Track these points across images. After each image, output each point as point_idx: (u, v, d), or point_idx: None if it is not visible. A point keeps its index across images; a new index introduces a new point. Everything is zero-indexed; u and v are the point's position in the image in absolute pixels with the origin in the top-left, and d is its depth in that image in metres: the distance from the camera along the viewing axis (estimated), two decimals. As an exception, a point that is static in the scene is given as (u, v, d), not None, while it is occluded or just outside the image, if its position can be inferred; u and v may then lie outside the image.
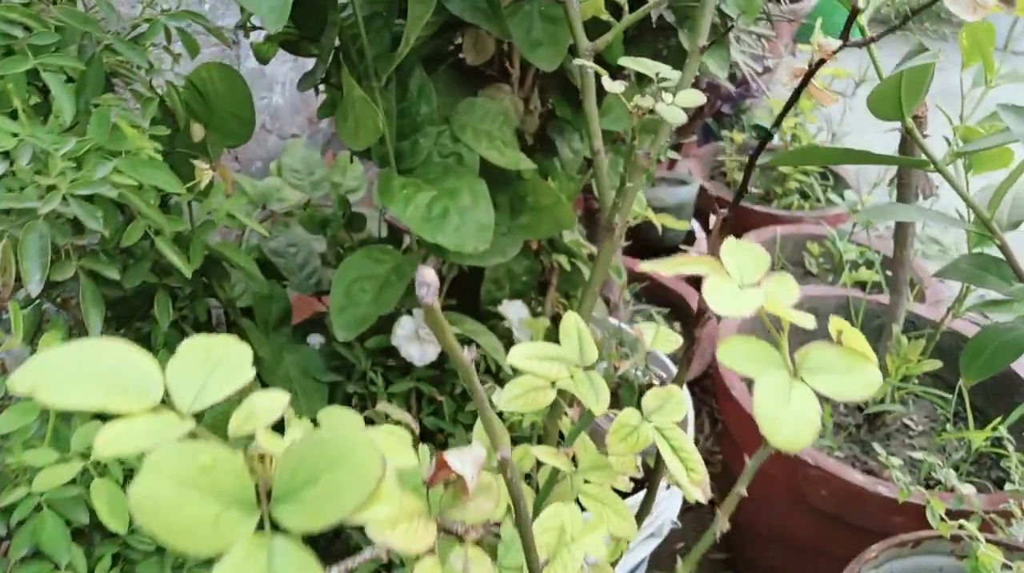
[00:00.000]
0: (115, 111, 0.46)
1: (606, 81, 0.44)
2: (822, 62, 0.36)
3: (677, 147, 2.14)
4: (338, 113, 0.57)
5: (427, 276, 0.22)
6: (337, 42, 0.58)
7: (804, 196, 1.95)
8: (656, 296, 1.57)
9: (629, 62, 0.52)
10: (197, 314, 0.64)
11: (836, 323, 0.27)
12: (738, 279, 0.29)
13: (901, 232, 1.00)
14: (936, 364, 1.08)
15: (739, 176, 1.95)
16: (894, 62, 0.66)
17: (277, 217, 0.95)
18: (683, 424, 0.52)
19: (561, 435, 0.55)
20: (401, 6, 0.59)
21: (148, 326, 0.64)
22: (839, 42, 0.35)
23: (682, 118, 0.42)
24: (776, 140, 2.17)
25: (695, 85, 0.97)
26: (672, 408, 0.47)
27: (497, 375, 0.79)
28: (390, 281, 0.64)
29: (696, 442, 1.11)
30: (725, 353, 0.26)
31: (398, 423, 0.50)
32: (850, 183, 1.95)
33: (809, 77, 0.37)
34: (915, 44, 0.82)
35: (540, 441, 0.61)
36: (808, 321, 0.26)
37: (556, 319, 0.89)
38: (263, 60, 0.61)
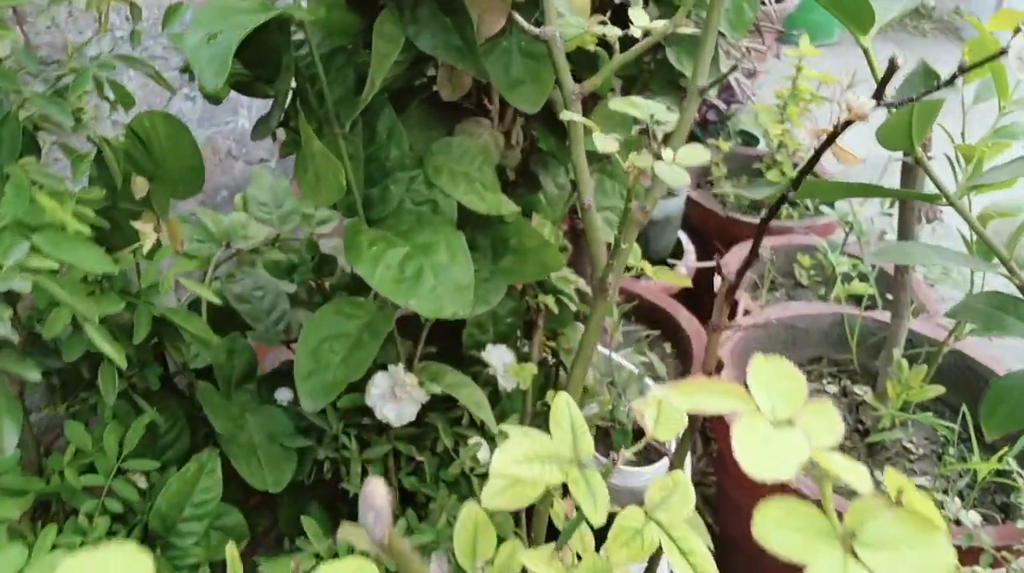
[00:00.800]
0: (37, 175, 0.40)
1: (598, 138, 0.39)
2: (849, 123, 0.30)
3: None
4: (297, 163, 0.51)
5: (375, 496, 0.16)
6: (295, 82, 0.52)
7: (792, 204, 1.91)
8: (645, 316, 1.52)
9: (620, 104, 0.47)
10: (149, 382, 0.58)
11: (893, 478, 0.22)
12: (770, 414, 0.24)
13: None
14: (939, 390, 1.04)
15: (726, 186, 1.91)
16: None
17: (243, 255, 0.88)
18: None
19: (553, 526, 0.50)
20: (366, 39, 0.54)
21: (96, 396, 0.58)
22: (872, 102, 0.29)
23: (684, 180, 0.37)
24: (763, 146, 2.13)
25: (674, 82, 0.92)
26: (679, 501, 0.42)
27: (483, 427, 0.73)
28: (362, 341, 0.59)
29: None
30: (763, 525, 0.21)
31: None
32: (839, 190, 1.91)
33: (833, 138, 0.32)
34: (918, 63, 0.78)
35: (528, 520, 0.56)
36: (863, 483, 0.21)
37: (543, 363, 0.83)
38: (214, 101, 0.55)
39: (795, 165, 1.90)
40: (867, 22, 0.65)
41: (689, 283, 0.60)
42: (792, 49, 1.81)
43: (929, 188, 0.68)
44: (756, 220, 1.82)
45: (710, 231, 1.87)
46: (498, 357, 0.75)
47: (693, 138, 2.14)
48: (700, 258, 1.82)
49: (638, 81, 1.03)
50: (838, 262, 1.54)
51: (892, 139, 0.62)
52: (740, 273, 0.41)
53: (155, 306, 0.53)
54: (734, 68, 0.47)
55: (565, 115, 0.40)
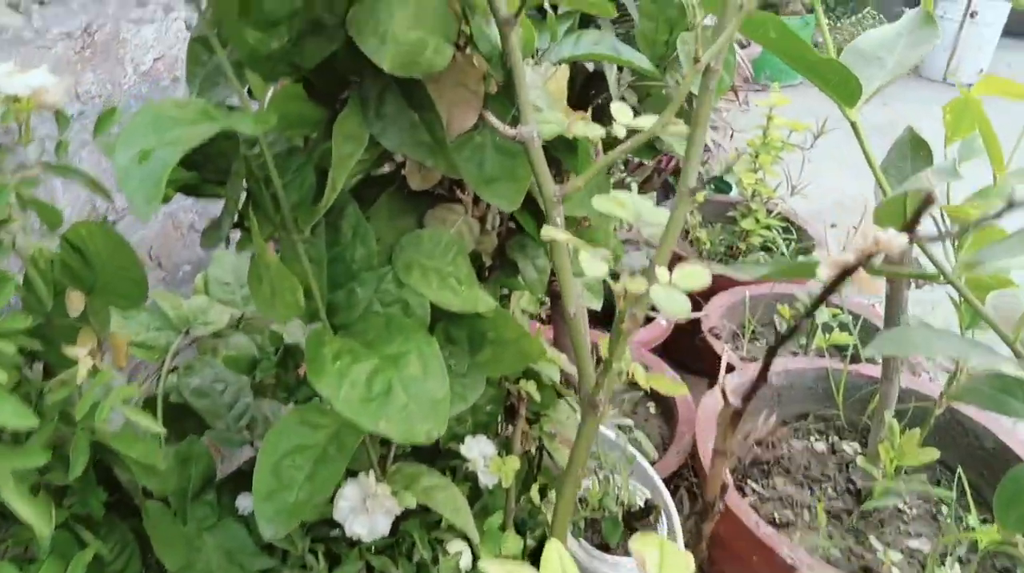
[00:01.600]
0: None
1: (584, 258, 0.35)
2: (871, 256, 0.27)
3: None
4: (251, 273, 0.46)
5: None
6: (248, 182, 0.47)
7: (767, 250, 1.90)
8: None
9: (605, 203, 0.43)
10: (92, 510, 0.52)
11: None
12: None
13: (891, 314, 0.93)
14: (934, 454, 1.01)
15: (702, 234, 1.89)
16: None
17: (204, 341, 0.83)
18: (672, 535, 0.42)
19: None
20: (327, 131, 0.49)
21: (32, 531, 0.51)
22: (903, 236, 0.26)
23: (684, 309, 0.32)
24: (735, 194, 2.13)
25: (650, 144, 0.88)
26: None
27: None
28: (328, 455, 0.53)
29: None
30: None
31: None
32: (813, 236, 1.90)
33: (850, 271, 0.28)
34: (907, 131, 0.75)
35: None
36: None
37: (526, 453, 0.78)
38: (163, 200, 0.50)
39: (769, 211, 1.90)
40: (854, 96, 0.62)
41: (686, 391, 0.56)
42: (762, 100, 1.81)
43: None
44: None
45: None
46: (478, 451, 0.70)
47: (667, 186, 2.13)
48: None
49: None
50: (819, 313, 1.52)
51: (887, 219, 0.59)
52: (746, 399, 0.37)
53: (95, 431, 0.47)
54: (725, 174, 0.43)
55: (546, 233, 0.36)
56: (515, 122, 0.44)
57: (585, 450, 0.45)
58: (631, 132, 0.40)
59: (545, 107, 0.47)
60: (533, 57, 0.53)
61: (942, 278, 0.62)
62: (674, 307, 0.32)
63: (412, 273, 0.54)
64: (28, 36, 0.75)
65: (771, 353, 0.35)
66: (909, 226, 0.28)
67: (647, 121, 0.41)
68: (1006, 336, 0.59)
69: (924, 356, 0.81)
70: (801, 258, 1.65)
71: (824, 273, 0.28)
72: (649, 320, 1.62)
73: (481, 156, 0.47)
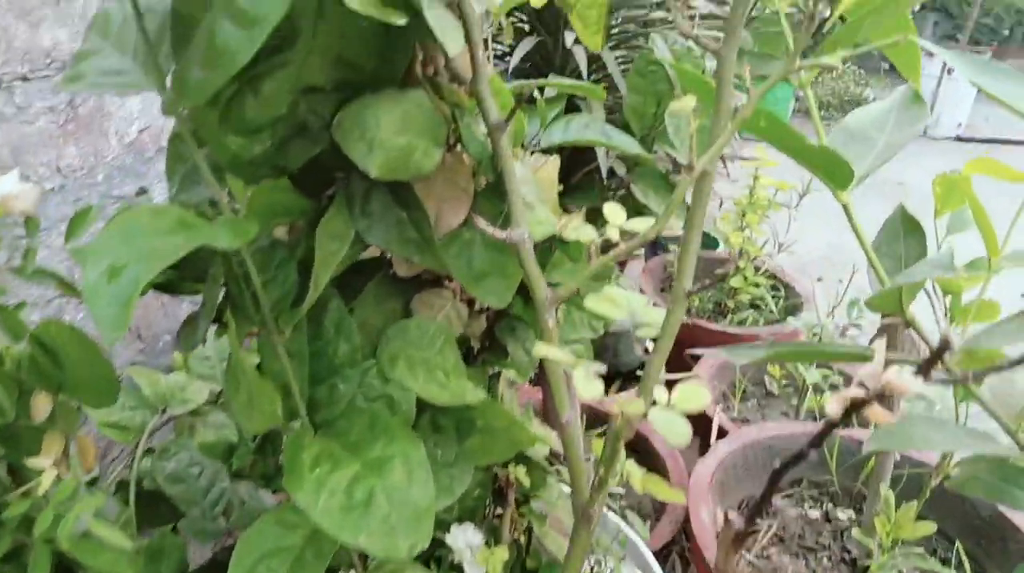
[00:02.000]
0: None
1: (579, 378, 0.33)
2: (882, 396, 0.25)
3: (622, 264, 2.08)
4: (227, 378, 0.44)
5: None
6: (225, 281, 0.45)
7: (756, 307, 1.90)
8: (596, 417, 1.45)
9: (599, 304, 0.42)
10: (51, 621, 0.49)
11: None
12: None
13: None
14: (931, 528, 0.98)
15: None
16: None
17: (181, 419, 0.80)
18: None
19: None
20: (311, 222, 0.48)
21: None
22: (918, 380, 0.24)
23: (684, 438, 0.31)
24: (722, 249, 2.13)
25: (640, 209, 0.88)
26: None
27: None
28: (304, 559, 0.50)
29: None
30: None
31: None
32: (800, 293, 1.90)
33: (858, 406, 0.26)
34: (897, 209, 0.75)
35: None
36: None
37: (514, 542, 0.75)
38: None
39: (756, 269, 1.90)
40: (846, 181, 0.62)
41: (683, 499, 0.54)
42: (747, 154, 1.83)
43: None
44: (723, 328, 1.79)
45: (677, 337, 1.83)
46: (464, 540, 0.67)
47: (654, 244, 2.14)
48: (669, 366, 1.77)
49: (601, 214, 1.00)
50: (808, 374, 1.51)
51: (882, 305, 0.58)
52: (749, 520, 0.35)
53: (57, 541, 0.44)
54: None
55: (540, 350, 0.34)
56: (506, 220, 0.43)
57: (580, 560, 0.42)
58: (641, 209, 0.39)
59: (536, 201, 0.46)
60: (523, 146, 0.53)
61: (940, 366, 0.61)
62: (675, 436, 0.30)
63: (398, 366, 0.52)
64: (9, 112, 0.74)
65: (776, 476, 0.33)
66: (925, 372, 0.26)
67: (641, 224, 0.40)
68: (1008, 426, 0.57)
69: (936, 449, 0.79)
70: (791, 319, 1.65)
71: (832, 409, 0.27)
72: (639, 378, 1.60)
73: (470, 252, 0.46)
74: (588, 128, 0.60)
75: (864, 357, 0.70)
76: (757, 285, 1.86)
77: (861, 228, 0.66)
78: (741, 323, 1.82)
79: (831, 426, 0.28)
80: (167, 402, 0.78)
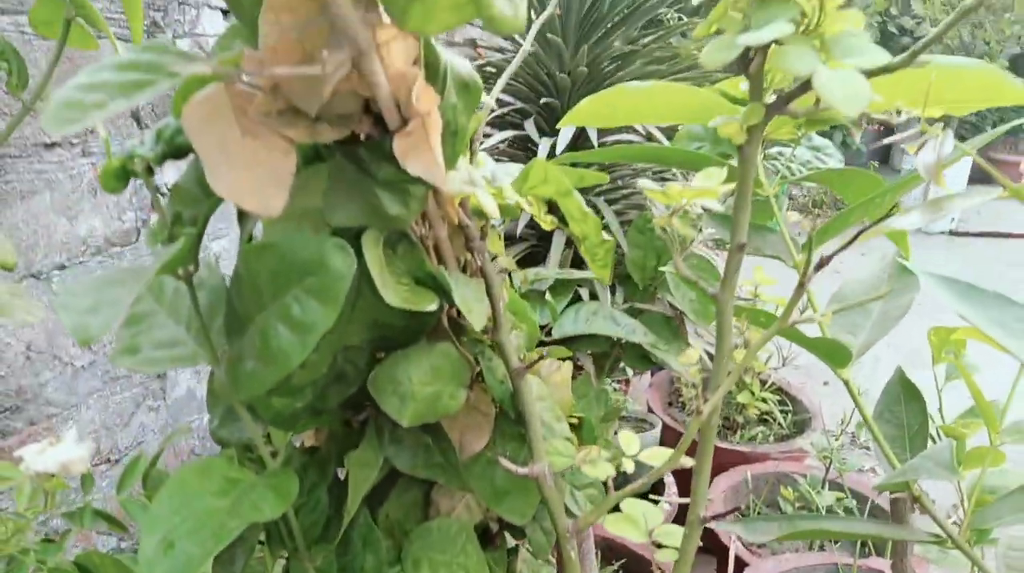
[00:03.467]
0: None
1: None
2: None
3: (627, 381, 2.10)
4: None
5: None
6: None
7: (765, 422, 1.90)
8: (611, 550, 1.43)
9: (617, 526, 0.44)
10: None
11: None
12: None
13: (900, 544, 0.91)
14: None
15: (696, 404, 1.89)
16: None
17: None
18: None
19: None
20: (344, 442, 0.51)
21: None
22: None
23: None
24: (728, 361, 2.15)
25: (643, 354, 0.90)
26: None
27: None
28: None
29: None
30: None
31: None
32: (808, 407, 1.91)
33: None
34: (896, 373, 0.78)
35: None
36: None
37: None
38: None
39: (763, 382, 1.92)
40: (845, 361, 0.65)
41: None
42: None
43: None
44: (733, 446, 1.79)
45: (689, 453, 1.83)
46: None
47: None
48: (681, 488, 1.76)
49: (610, 357, 1.03)
50: (821, 497, 1.50)
51: (890, 488, 0.60)
52: None
53: None
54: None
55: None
56: (526, 445, 0.46)
57: None
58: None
59: (553, 420, 0.48)
60: (540, 343, 0.56)
61: (950, 542, 0.62)
62: None
63: (421, 570, 0.53)
64: (46, 300, 0.78)
65: None
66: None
67: (658, 456, 0.43)
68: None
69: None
70: (799, 439, 1.65)
71: None
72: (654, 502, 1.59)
73: (492, 472, 0.48)
74: (596, 315, 0.64)
75: (882, 537, 0.71)
76: (764, 400, 1.87)
77: (863, 402, 0.69)
78: (751, 440, 1.82)
79: None
80: None
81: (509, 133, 1.10)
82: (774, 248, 0.72)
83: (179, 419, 0.98)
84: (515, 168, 0.45)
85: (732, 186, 0.43)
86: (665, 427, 1.84)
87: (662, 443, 1.84)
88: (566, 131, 1.07)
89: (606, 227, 1.11)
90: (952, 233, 4.25)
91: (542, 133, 1.12)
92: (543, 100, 1.12)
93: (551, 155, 1.01)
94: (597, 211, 1.12)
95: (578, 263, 1.15)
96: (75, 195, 0.82)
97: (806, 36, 0.36)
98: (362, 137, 0.34)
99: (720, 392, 0.42)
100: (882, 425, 0.72)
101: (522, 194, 0.45)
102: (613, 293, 1.14)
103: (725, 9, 0.37)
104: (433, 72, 0.33)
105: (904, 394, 0.75)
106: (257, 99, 0.32)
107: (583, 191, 0.71)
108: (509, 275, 0.74)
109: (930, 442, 0.76)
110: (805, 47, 0.35)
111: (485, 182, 0.40)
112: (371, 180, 0.35)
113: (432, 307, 0.36)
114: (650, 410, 1.93)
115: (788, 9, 0.35)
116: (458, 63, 0.33)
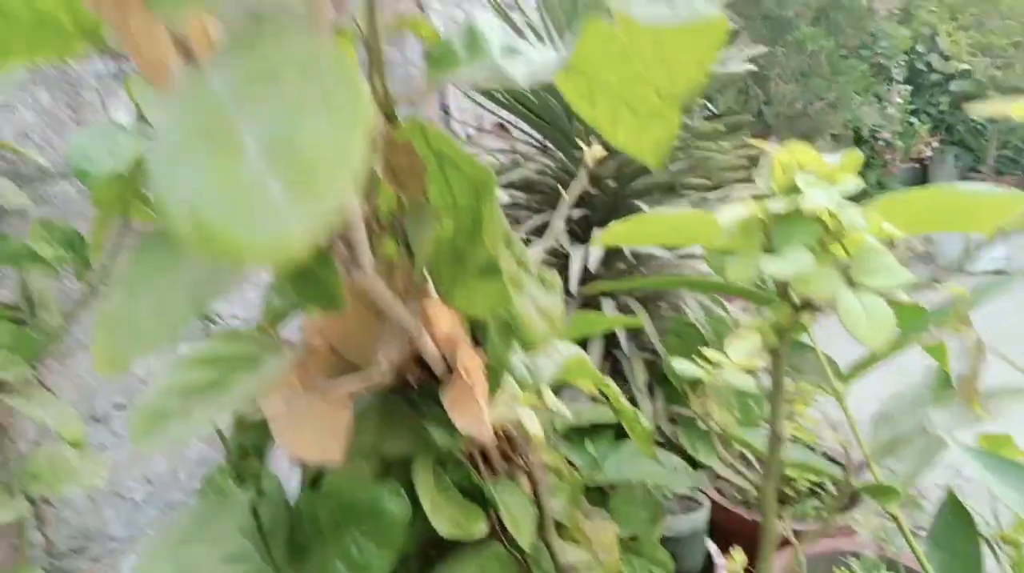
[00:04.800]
0: None
1: None
2: None
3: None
4: None
5: None
6: None
7: (815, 494, 1.86)
8: None
9: None
10: None
11: None
12: None
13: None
14: None
15: (742, 482, 1.86)
16: None
17: None
18: None
19: None
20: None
21: None
22: None
23: None
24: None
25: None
26: None
27: None
28: None
29: None
30: None
31: None
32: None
33: None
34: (948, 495, 0.77)
35: None
36: None
37: None
38: None
39: (811, 449, 1.88)
40: (893, 499, 0.65)
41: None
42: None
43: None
44: (784, 526, 1.75)
45: (733, 534, 1.80)
46: None
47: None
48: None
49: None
50: (881, 576, 1.46)
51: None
52: None
53: None
54: None
55: None
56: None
57: None
58: None
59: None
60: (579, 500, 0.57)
61: None
62: None
63: None
64: (108, 441, 0.81)
65: None
66: None
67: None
68: None
69: None
70: (856, 513, 1.61)
71: None
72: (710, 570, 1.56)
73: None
74: (636, 459, 0.65)
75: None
76: (816, 471, 1.83)
77: (913, 540, 0.68)
78: (803, 517, 1.78)
79: None
80: None
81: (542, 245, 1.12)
82: (812, 369, 0.73)
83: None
84: (558, 355, 0.47)
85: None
86: (715, 505, 1.81)
87: (712, 522, 1.80)
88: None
89: (640, 330, 1.12)
90: (997, 272, 4.15)
91: (574, 238, 1.14)
92: (575, 213, 1.16)
93: (584, 267, 1.03)
94: (630, 311, 1.13)
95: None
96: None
97: (826, 252, 0.37)
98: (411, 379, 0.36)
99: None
100: (936, 553, 0.71)
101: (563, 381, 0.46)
102: (651, 393, 1.14)
103: (750, 229, 0.38)
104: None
105: (955, 519, 0.74)
106: (316, 359, 0.34)
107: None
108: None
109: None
110: (827, 268, 0.36)
111: (524, 385, 0.42)
112: (420, 415, 0.37)
113: (481, 533, 0.38)
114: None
115: (808, 232, 0.37)
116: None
